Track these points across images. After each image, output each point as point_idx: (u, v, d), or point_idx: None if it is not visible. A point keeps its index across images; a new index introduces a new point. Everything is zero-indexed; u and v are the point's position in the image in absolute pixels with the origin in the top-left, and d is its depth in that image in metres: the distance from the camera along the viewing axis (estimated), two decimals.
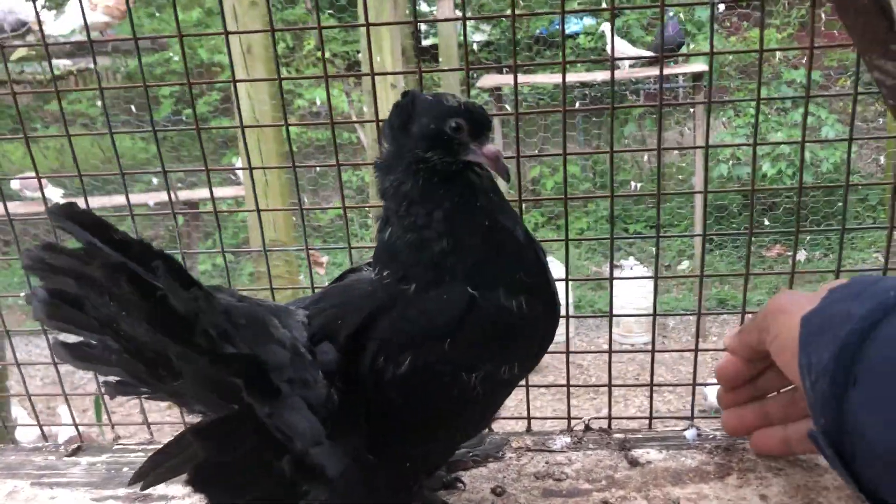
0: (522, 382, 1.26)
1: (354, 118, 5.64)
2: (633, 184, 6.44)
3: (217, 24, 6.85)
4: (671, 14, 6.13)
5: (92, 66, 1.22)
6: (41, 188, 1.24)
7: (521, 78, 5.70)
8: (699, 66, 5.24)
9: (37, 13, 1.29)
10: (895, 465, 0.59)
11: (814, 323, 0.68)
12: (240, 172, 5.45)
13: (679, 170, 6.62)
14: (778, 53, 6.08)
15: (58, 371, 1.23)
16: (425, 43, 6.53)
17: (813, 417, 0.68)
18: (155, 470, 0.80)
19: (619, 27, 6.49)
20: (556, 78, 5.57)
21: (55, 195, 5.67)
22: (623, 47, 5.50)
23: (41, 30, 1.18)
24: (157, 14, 6.56)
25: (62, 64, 3.87)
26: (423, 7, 7.39)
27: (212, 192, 1.22)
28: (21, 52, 3.47)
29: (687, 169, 6.39)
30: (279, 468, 0.71)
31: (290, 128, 1.22)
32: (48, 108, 6.77)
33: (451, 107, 0.79)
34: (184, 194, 5.10)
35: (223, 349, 0.69)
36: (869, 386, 0.60)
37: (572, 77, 5.60)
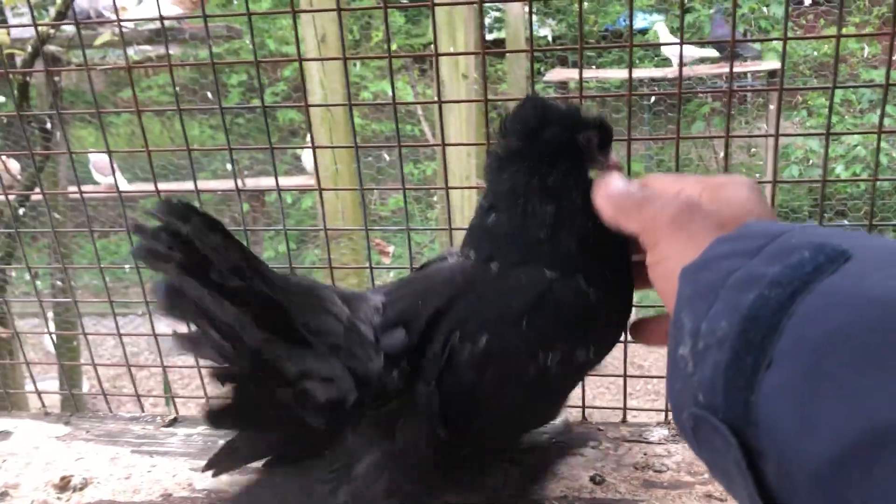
0: (620, 373, 1.24)
1: (420, 110, 5.66)
2: None
3: (286, 14, 6.94)
4: (716, 11, 5.99)
5: (165, 53, 1.24)
6: (113, 171, 1.26)
7: (589, 73, 5.64)
8: (772, 63, 5.11)
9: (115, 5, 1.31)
10: (825, 482, 0.43)
11: (699, 281, 0.55)
12: (307, 163, 5.52)
13: (749, 169, 6.46)
14: (857, 52, 5.88)
15: (124, 349, 1.26)
16: (493, 37, 6.51)
17: (685, 393, 0.53)
18: (229, 458, 0.85)
19: (691, 23, 6.38)
20: (624, 73, 5.50)
21: (122, 181, 5.82)
22: (676, 47, 5.38)
23: (118, 16, 1.20)
24: (235, 1, 6.68)
25: (141, 50, 3.97)
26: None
27: (276, 172, 1.22)
28: (105, 37, 3.56)
29: (757, 167, 6.23)
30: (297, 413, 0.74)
31: (355, 119, 1.22)
32: (122, 94, 6.95)
33: (585, 119, 0.82)
34: (251, 182, 5.18)
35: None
36: (791, 372, 0.46)
37: (641, 73, 5.51)
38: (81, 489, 1.12)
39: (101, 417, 1.32)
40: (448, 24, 3.49)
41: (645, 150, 6.81)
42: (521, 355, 0.78)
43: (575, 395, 1.25)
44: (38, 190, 3.92)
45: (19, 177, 3.93)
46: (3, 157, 4.86)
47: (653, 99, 5.47)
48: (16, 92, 3.66)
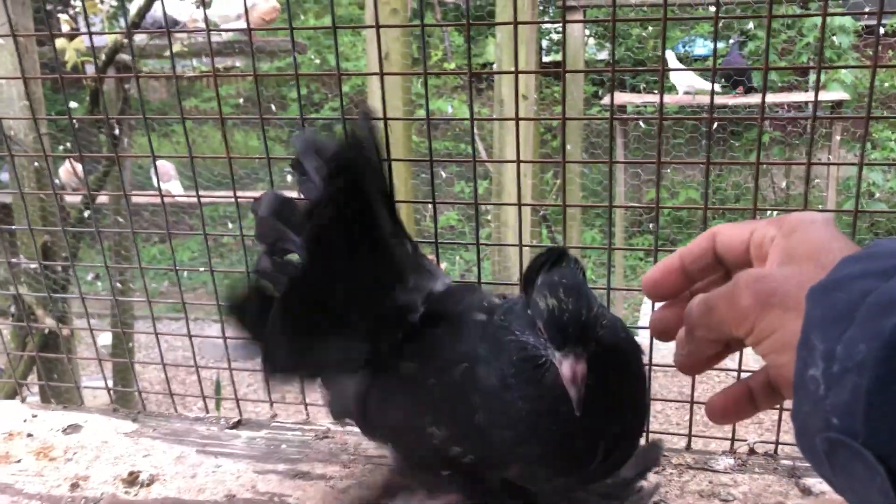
0: (686, 399, 1.22)
1: (475, 130, 5.70)
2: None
3: (348, 32, 7.05)
4: (733, 42, 5.91)
5: (232, 64, 1.28)
6: (195, 176, 1.29)
7: (648, 97, 5.60)
8: (838, 94, 5.01)
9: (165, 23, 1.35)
10: None
11: (830, 302, 0.53)
12: None
13: (809, 202, 6.32)
14: None
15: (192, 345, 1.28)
16: (550, 59, 6.53)
17: (815, 416, 0.52)
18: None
19: (752, 50, 6.29)
20: (682, 99, 5.44)
21: (177, 188, 5.95)
22: (683, 78, 5.23)
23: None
24: (302, 17, 6.82)
25: (209, 62, 4.07)
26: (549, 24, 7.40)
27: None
28: (176, 47, 3.66)
29: (818, 199, 6.11)
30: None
31: (412, 136, 1.23)
32: (184, 104, 7.14)
33: (538, 307, 0.68)
34: None
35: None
36: None
37: (702, 99, 5.46)
38: (149, 485, 1.14)
39: (167, 416, 1.35)
40: (510, 44, 3.51)
41: (702, 176, 6.68)
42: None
43: None
44: (108, 193, 4.02)
45: (75, 181, 4.06)
46: (70, 161, 5.01)
47: (715, 125, 5.40)
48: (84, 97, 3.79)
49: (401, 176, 3.65)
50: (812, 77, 6.62)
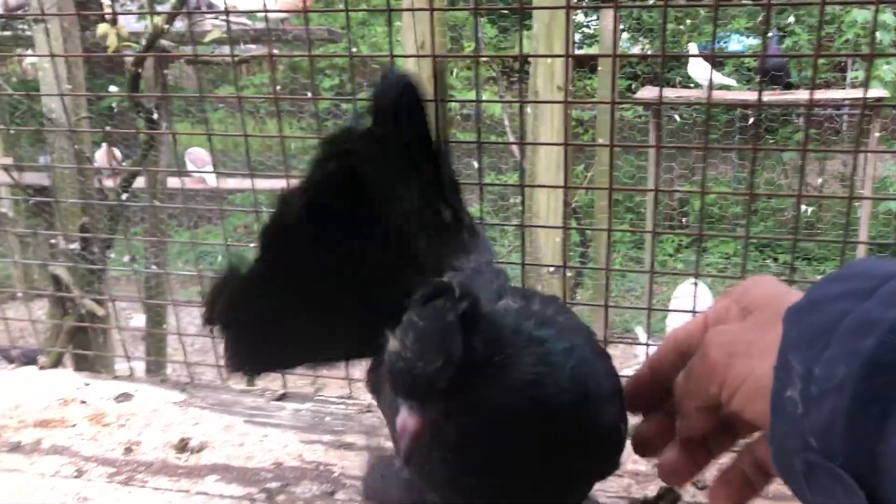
0: None
1: (507, 121, 5.69)
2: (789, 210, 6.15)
3: (381, 22, 7.07)
4: (771, 34, 5.83)
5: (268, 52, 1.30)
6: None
7: (682, 92, 5.57)
8: (878, 91, 4.94)
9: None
10: None
11: (808, 323, 0.53)
12: None
13: (843, 201, 6.24)
14: None
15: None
16: (583, 53, 6.49)
17: (792, 436, 0.52)
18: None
19: (789, 46, 6.22)
20: (717, 94, 5.39)
21: (210, 175, 6.02)
22: (702, 72, 5.17)
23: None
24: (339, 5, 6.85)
25: (247, 48, 4.12)
26: (580, 17, 7.37)
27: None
28: (214, 34, 3.71)
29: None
30: None
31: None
32: (219, 91, 7.20)
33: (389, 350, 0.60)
34: None
35: None
36: None
37: (734, 96, 5.41)
38: (199, 451, 1.18)
39: (214, 388, 1.38)
40: (546, 35, 3.52)
41: (734, 172, 6.69)
42: None
43: None
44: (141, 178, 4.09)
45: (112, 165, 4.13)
46: (106, 146, 5.09)
47: (751, 120, 5.36)
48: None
49: None
50: (850, 74, 6.54)
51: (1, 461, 1.17)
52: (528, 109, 3.71)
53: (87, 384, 1.39)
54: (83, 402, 1.33)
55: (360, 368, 1.17)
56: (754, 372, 0.57)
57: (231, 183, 5.97)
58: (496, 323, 0.62)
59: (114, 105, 3.88)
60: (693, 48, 5.76)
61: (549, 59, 3.52)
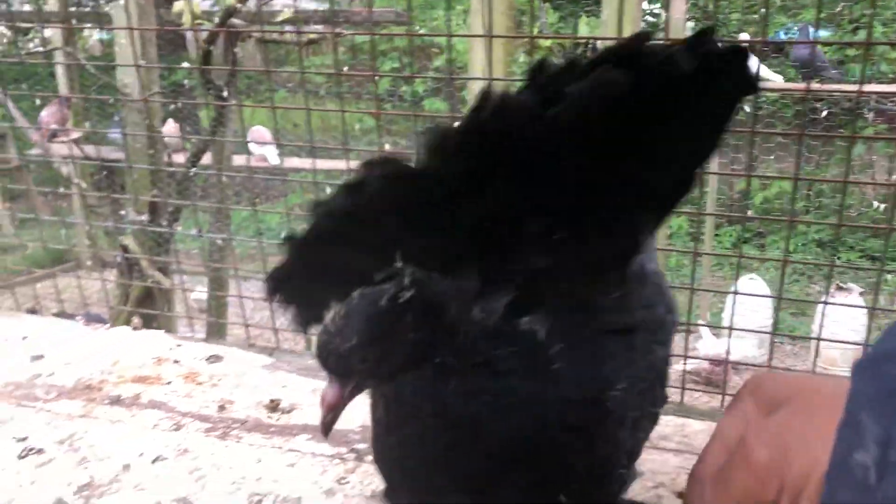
0: None
1: None
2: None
3: (442, 6, 7.08)
4: (802, 27, 5.66)
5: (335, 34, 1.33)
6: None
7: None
8: None
9: None
10: None
11: (880, 375, 0.47)
12: None
13: None
14: None
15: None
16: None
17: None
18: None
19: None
20: (798, 86, 5.29)
21: (272, 153, 6.12)
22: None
23: None
24: None
25: (314, 29, 4.17)
26: (644, 4, 7.26)
27: None
28: (285, 14, 3.77)
29: None
30: None
31: None
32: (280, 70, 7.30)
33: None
34: None
35: None
36: None
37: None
38: (289, 412, 1.23)
39: (299, 353, 1.44)
40: (616, 22, 3.49)
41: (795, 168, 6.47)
42: None
43: None
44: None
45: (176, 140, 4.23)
46: (172, 122, 5.21)
47: (824, 113, 5.24)
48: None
49: None
50: None
51: (104, 412, 1.24)
52: None
53: (179, 345, 1.45)
54: (176, 361, 1.39)
55: None
56: (820, 461, 0.49)
57: (292, 162, 6.06)
58: (453, 324, 0.62)
59: (185, 81, 3.98)
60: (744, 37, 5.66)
61: None
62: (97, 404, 1.26)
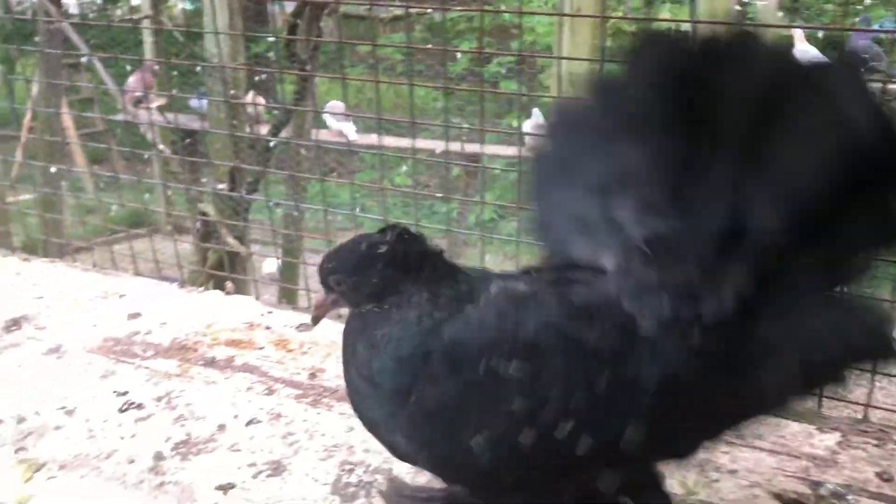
0: None
1: None
2: None
3: None
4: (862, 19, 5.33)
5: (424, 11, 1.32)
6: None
7: None
8: None
9: None
10: None
11: None
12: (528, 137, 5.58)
13: None
14: None
15: None
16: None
17: None
18: None
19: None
20: None
21: (350, 129, 6.17)
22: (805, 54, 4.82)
23: None
24: None
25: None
26: None
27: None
28: None
29: None
30: None
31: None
32: (358, 48, 7.33)
33: None
34: (470, 147, 5.31)
35: None
36: None
37: None
38: None
39: None
40: (709, 3, 3.40)
41: None
42: None
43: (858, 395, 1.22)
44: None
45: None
46: (253, 92, 5.28)
47: None
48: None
49: None
50: None
51: (199, 373, 1.27)
52: None
53: (270, 312, 1.48)
54: (268, 327, 1.42)
55: None
56: None
57: (370, 139, 6.10)
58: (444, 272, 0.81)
59: (271, 53, 4.04)
60: (799, 36, 5.40)
61: None
62: (192, 364, 1.30)
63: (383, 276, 0.79)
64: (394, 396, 0.77)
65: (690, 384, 0.73)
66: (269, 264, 5.01)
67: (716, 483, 1.02)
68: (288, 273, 4.36)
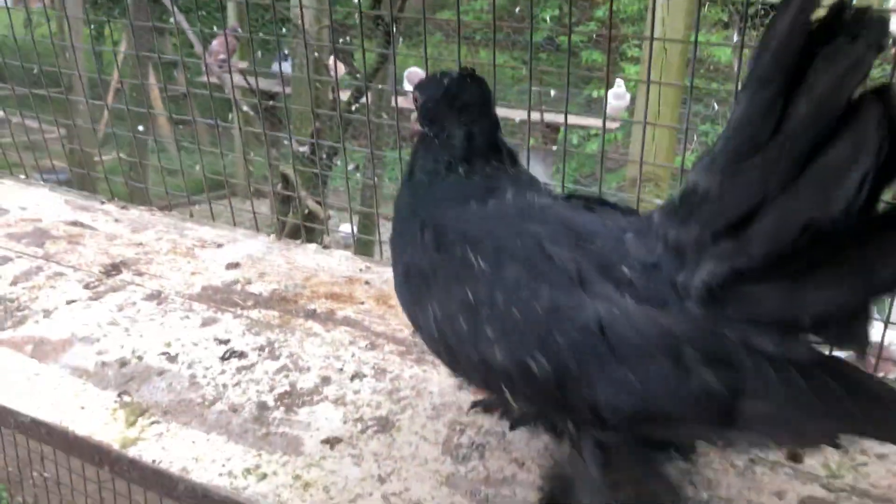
0: None
1: (736, 69, 5.33)
2: None
3: None
4: None
5: None
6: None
7: None
8: None
9: None
10: None
11: None
12: (617, 102, 5.44)
13: None
14: None
15: None
16: None
17: None
18: None
19: None
20: None
21: None
22: None
23: None
24: None
25: None
26: None
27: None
28: None
29: None
30: None
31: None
32: (439, 15, 7.25)
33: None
34: (549, 116, 5.19)
35: None
36: None
37: None
38: None
39: None
40: None
41: None
42: None
43: None
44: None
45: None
46: (333, 57, 5.27)
47: None
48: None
49: (669, 102, 3.51)
50: None
51: (301, 324, 1.24)
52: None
53: (368, 267, 1.43)
54: (367, 282, 1.37)
55: None
56: None
57: None
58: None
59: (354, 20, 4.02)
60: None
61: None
62: (293, 316, 1.26)
63: (434, 104, 0.95)
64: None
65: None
66: (345, 230, 5.03)
67: (863, 467, 0.93)
68: (362, 241, 4.36)
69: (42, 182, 1.91)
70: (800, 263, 0.62)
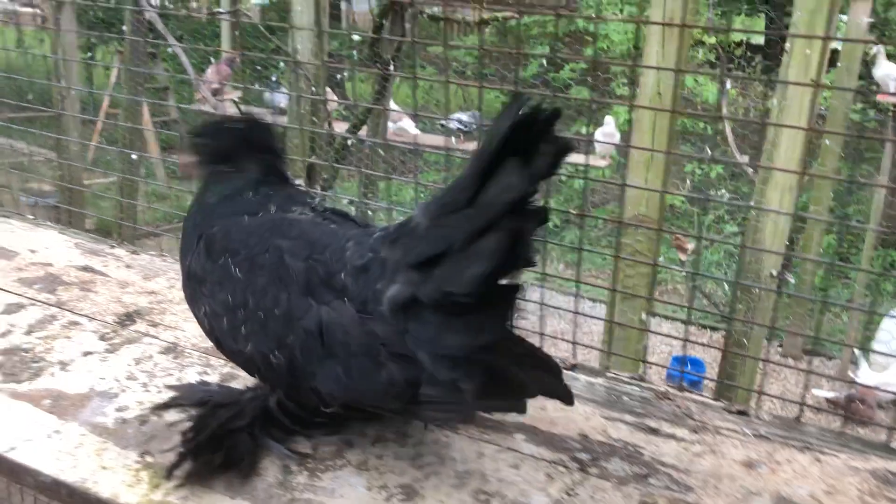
0: None
1: (727, 128, 5.40)
2: None
3: None
4: None
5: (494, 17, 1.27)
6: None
7: None
8: None
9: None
10: None
11: None
12: (603, 138, 5.51)
13: None
14: None
15: None
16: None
17: None
18: None
19: None
20: None
21: (410, 125, 6.17)
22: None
23: None
24: None
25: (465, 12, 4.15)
26: None
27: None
28: None
29: None
30: None
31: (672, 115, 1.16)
32: (430, 50, 7.34)
33: None
34: None
35: None
36: None
37: None
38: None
39: None
40: (808, 24, 3.28)
41: None
42: None
43: None
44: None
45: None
46: (328, 89, 5.30)
47: None
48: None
49: (663, 147, 3.54)
50: None
51: None
52: (774, 101, 3.51)
53: None
54: None
55: (652, 353, 1.13)
56: None
57: (434, 140, 6.11)
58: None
59: (354, 52, 4.06)
60: (881, 49, 5.32)
61: (807, 50, 3.28)
62: None
63: (229, 146, 1.15)
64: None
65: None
66: None
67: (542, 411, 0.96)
68: None
69: (29, 204, 1.90)
70: (450, 310, 0.84)
